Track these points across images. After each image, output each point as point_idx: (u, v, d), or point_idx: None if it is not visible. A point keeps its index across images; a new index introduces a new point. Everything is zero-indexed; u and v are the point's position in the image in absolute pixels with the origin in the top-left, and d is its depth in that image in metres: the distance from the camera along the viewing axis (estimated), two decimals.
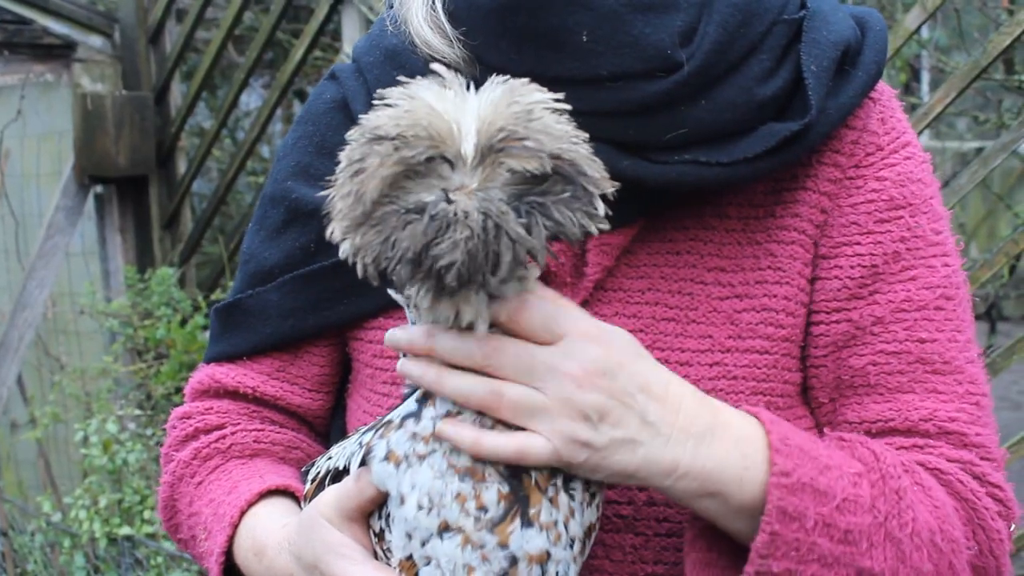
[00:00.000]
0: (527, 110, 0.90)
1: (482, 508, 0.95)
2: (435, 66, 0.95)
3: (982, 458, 1.13)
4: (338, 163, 1.12)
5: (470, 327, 0.96)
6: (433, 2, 1.19)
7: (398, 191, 0.88)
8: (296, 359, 1.33)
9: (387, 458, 0.99)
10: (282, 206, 1.30)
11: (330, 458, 1.13)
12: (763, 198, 1.18)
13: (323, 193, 1.22)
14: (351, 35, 3.75)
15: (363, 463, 1.01)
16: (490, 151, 0.88)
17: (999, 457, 1.15)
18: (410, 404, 1.01)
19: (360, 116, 1.20)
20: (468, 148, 0.88)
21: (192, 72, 4.74)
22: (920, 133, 2.81)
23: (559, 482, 0.98)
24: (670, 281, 1.17)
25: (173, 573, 3.58)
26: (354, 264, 0.92)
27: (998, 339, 6.80)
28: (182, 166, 4.51)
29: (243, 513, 1.21)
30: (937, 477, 1.11)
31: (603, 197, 0.92)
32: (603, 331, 1.00)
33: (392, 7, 1.24)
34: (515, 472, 0.96)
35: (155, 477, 3.76)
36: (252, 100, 7.02)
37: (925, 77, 8.25)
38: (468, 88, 0.92)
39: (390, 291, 1.01)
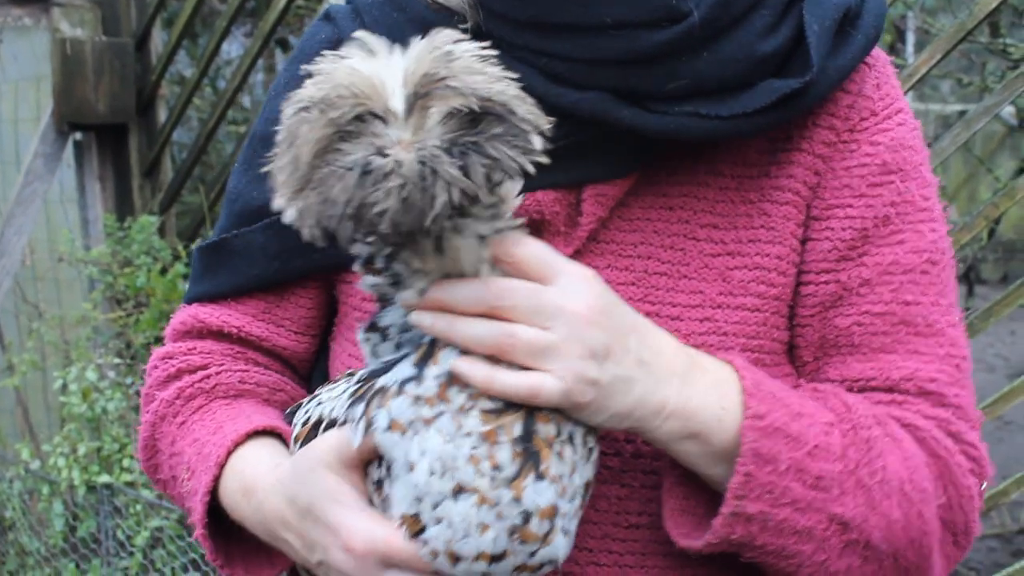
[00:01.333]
0: (447, 53, 0.91)
1: (496, 467, 0.96)
2: (359, 33, 0.95)
3: (958, 418, 1.15)
4: None
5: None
6: None
7: (334, 154, 0.89)
8: (282, 300, 1.32)
9: (390, 427, 0.98)
10: (271, 146, 1.28)
11: (320, 403, 1.12)
12: (758, 157, 1.19)
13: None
14: None
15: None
16: (416, 99, 0.89)
17: (975, 419, 1.17)
18: (405, 368, 0.99)
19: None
20: (396, 102, 0.89)
21: (173, 19, 4.68)
22: (904, 94, 2.81)
23: (564, 435, 0.99)
24: (663, 236, 1.18)
25: (152, 521, 3.59)
26: (299, 229, 0.92)
27: (975, 302, 6.87)
28: (162, 114, 4.47)
29: (229, 453, 1.20)
30: (912, 432, 1.13)
31: (544, 137, 0.93)
32: (587, 271, 1.01)
33: None
34: (526, 431, 0.97)
35: (134, 425, 3.76)
36: (233, 49, 6.95)
37: (911, 38, 8.25)
38: (394, 51, 0.93)
39: (367, 275, 1.01)
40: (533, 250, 0.98)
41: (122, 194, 4.51)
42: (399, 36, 1.14)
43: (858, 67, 1.20)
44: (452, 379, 0.97)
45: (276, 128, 1.26)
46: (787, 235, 1.18)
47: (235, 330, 1.31)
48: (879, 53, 1.25)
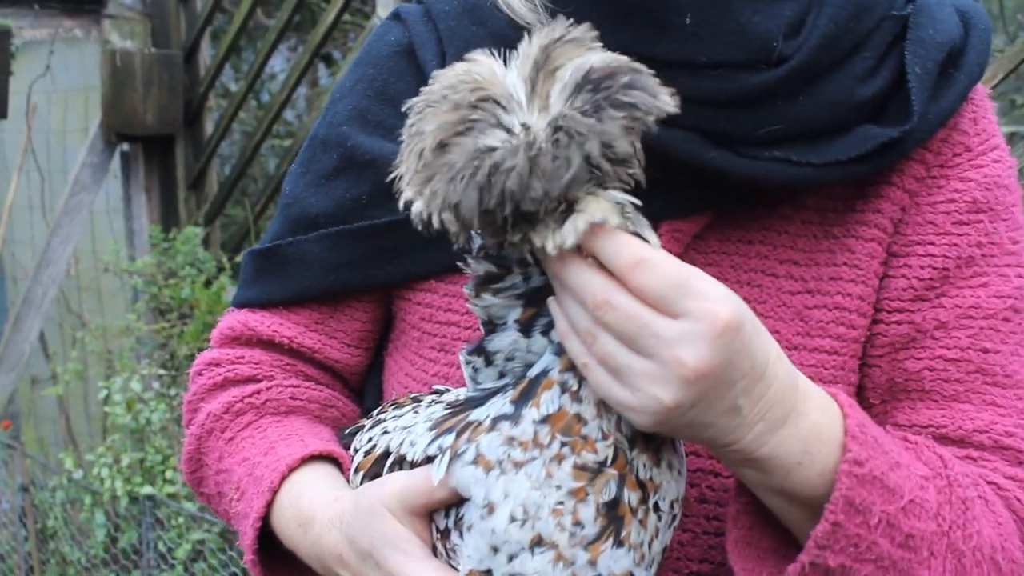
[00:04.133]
0: (560, 32, 0.87)
1: (578, 524, 0.91)
2: (474, 53, 0.90)
3: None
4: (400, 111, 1.03)
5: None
6: None
7: (457, 145, 0.84)
8: (336, 312, 1.26)
9: (476, 462, 0.93)
10: (336, 151, 1.22)
11: (387, 432, 1.07)
12: (843, 191, 1.12)
13: (385, 144, 1.16)
14: (385, 0, 3.72)
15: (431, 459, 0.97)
16: (537, 71, 0.85)
17: None
18: (502, 404, 0.94)
19: (427, 66, 1.12)
20: (518, 88, 0.85)
21: (219, 33, 4.72)
22: None
23: (650, 502, 0.95)
24: (739, 271, 1.12)
25: (194, 533, 3.59)
26: (427, 224, 0.86)
27: None
28: (209, 127, 4.49)
29: (283, 478, 1.15)
30: (996, 491, 1.05)
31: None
32: (726, 320, 0.87)
33: None
34: (614, 497, 0.92)
35: (177, 437, 3.77)
36: (277, 63, 6.99)
37: None
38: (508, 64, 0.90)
39: (479, 293, 0.94)
40: (658, 276, 0.86)
41: (167, 205, 4.54)
42: (475, 48, 1.07)
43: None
44: (552, 423, 0.92)
45: (344, 133, 1.21)
46: (871, 274, 1.12)
47: (287, 340, 1.25)
48: (978, 87, 1.17)
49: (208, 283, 4.14)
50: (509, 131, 0.83)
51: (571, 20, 0.99)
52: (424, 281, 1.19)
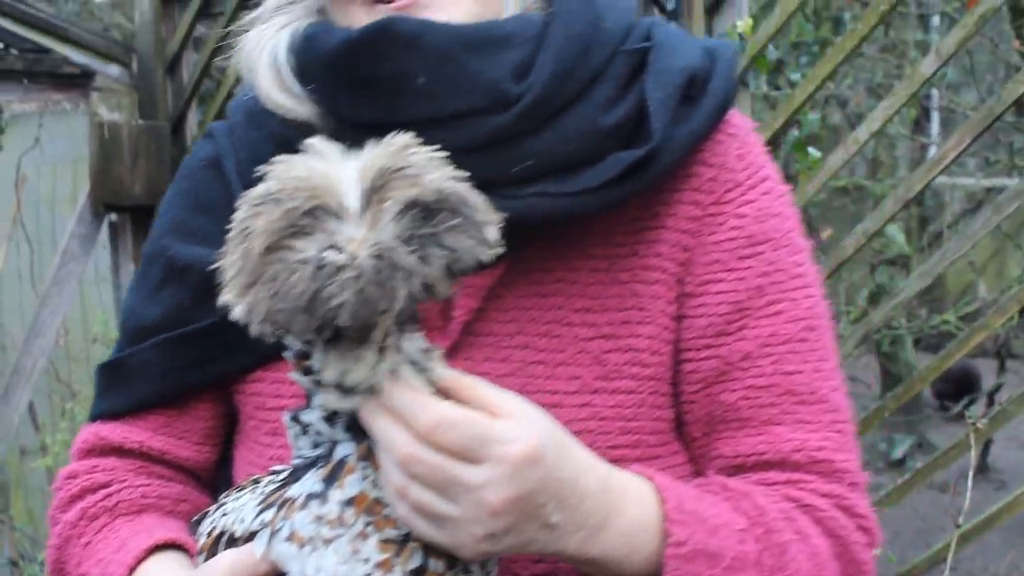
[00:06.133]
0: (403, 147, 0.92)
1: None
2: (312, 140, 0.96)
3: (849, 484, 1.19)
4: (214, 219, 1.18)
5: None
6: (277, 65, 1.21)
7: (286, 250, 0.89)
8: (182, 414, 1.32)
9: (291, 539, 0.99)
10: (159, 263, 1.30)
11: (225, 514, 1.12)
12: (625, 237, 1.20)
13: (199, 251, 1.24)
14: None
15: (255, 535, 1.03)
16: (372, 192, 0.89)
17: (862, 481, 1.21)
18: (313, 482, 1.01)
19: (230, 175, 1.24)
20: (352, 198, 0.89)
21: (207, 96, 4.77)
22: (932, 180, 2.84)
23: (458, 568, 1.00)
24: (538, 324, 1.19)
25: None
26: (248, 325, 0.92)
27: (1007, 377, 6.79)
28: None
29: (131, 570, 1.21)
30: (811, 514, 1.16)
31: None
32: (523, 457, 0.96)
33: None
34: (420, 566, 0.98)
35: None
36: None
37: (935, 117, 8.29)
38: (349, 155, 0.94)
39: (297, 371, 1.01)
40: (459, 433, 0.95)
41: None
42: (259, 153, 1.18)
43: (719, 139, 1.21)
44: (356, 504, 0.99)
45: (164, 245, 1.30)
46: (657, 313, 1.19)
47: (136, 444, 1.32)
48: (741, 121, 1.25)
49: None
50: (337, 248, 0.87)
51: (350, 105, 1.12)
52: (252, 372, 1.27)
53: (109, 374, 1.34)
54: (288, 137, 1.17)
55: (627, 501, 1.07)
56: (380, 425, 0.96)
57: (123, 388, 1.32)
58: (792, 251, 1.22)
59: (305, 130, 1.18)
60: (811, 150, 3.08)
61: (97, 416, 1.35)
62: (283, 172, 0.91)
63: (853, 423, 1.23)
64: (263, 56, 1.23)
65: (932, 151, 7.28)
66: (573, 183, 1.13)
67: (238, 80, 4.14)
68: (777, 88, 5.17)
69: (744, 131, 1.25)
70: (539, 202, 1.13)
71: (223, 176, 1.29)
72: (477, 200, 0.93)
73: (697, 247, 1.20)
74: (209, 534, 1.13)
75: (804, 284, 1.21)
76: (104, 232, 4.52)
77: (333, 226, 0.88)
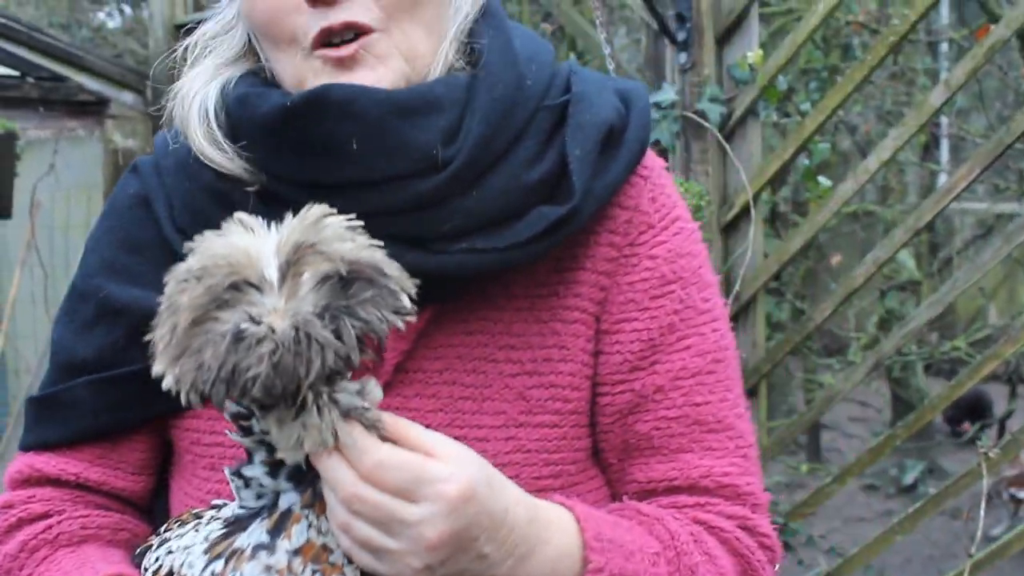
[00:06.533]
0: (316, 221, 0.95)
1: None
2: (238, 214, 0.99)
3: (752, 505, 1.26)
4: (143, 258, 1.23)
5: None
6: (208, 120, 1.22)
7: (211, 322, 0.93)
8: (116, 446, 1.32)
9: None
10: (91, 302, 1.30)
11: (171, 551, 1.14)
12: (547, 277, 1.24)
13: (134, 292, 1.26)
14: None
15: None
16: (288, 267, 0.93)
17: (764, 501, 1.28)
18: (260, 533, 1.04)
19: (161, 218, 1.26)
20: (270, 270, 0.93)
21: None
22: (942, 211, 2.86)
23: None
24: (465, 360, 1.23)
25: None
26: (178, 393, 0.95)
27: (1019, 403, 6.77)
28: None
29: None
30: (717, 535, 1.23)
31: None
32: (457, 496, 1.02)
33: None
34: None
35: None
36: None
37: (945, 144, 8.30)
38: (269, 227, 0.97)
39: (238, 430, 1.04)
40: (397, 474, 1.00)
41: None
42: (194, 203, 1.23)
43: (633, 181, 1.26)
44: (303, 554, 1.03)
45: (96, 284, 1.30)
46: (577, 351, 1.25)
47: (73, 476, 1.31)
48: (654, 163, 1.30)
49: None
50: (257, 320, 0.91)
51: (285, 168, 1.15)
52: (188, 409, 1.25)
53: (40, 407, 1.33)
54: (222, 190, 1.21)
55: (551, 531, 1.12)
56: (326, 465, 1.00)
57: (55, 422, 1.31)
58: (700, 287, 1.28)
59: (238, 183, 1.22)
60: (821, 179, 3.10)
61: (29, 447, 1.34)
62: (205, 249, 0.95)
63: (756, 446, 1.30)
64: (193, 109, 1.24)
65: (941, 178, 7.29)
66: (500, 238, 1.17)
67: None
68: (787, 115, 5.19)
69: (656, 172, 1.30)
70: (468, 258, 1.17)
71: (152, 215, 1.29)
72: (392, 269, 0.97)
73: (613, 287, 1.26)
74: (156, 573, 1.14)
75: (712, 319, 1.28)
76: None
77: (254, 297, 0.93)
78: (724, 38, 2.96)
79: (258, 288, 0.93)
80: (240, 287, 0.93)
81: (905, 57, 6.14)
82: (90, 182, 4.71)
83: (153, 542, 1.19)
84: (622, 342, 1.25)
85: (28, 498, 1.32)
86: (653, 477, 1.25)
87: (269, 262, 0.93)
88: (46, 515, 1.31)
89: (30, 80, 4.09)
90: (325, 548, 1.04)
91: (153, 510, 1.39)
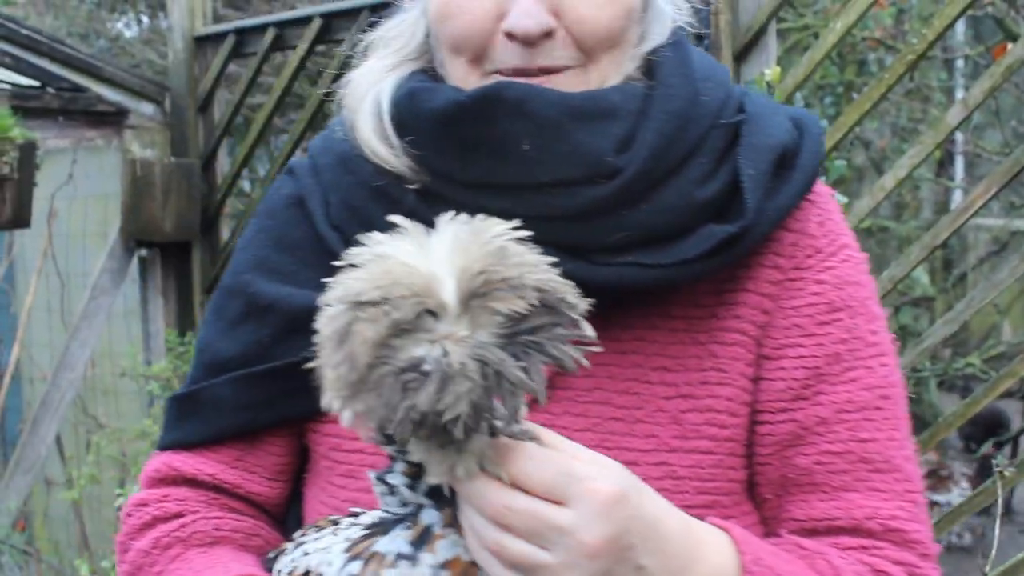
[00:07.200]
0: (500, 248, 0.90)
1: None
2: (393, 217, 0.94)
3: (920, 555, 1.18)
4: (296, 257, 1.20)
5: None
6: (380, 113, 1.23)
7: (387, 350, 0.88)
8: (254, 448, 1.33)
9: None
10: (240, 299, 1.31)
11: (307, 554, 1.12)
12: (706, 299, 1.21)
13: (283, 289, 1.25)
14: None
15: None
16: (473, 296, 0.88)
17: (934, 552, 1.20)
18: (402, 542, 1.01)
19: (315, 215, 1.24)
20: (450, 297, 0.88)
21: (236, 131, 4.83)
22: (958, 230, 2.86)
23: None
24: (617, 380, 1.19)
25: None
26: (318, 395, 0.92)
27: None
28: (225, 232, 4.59)
29: None
30: None
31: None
32: (610, 494, 0.97)
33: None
34: None
35: None
36: None
37: (960, 161, 8.27)
38: (428, 233, 0.93)
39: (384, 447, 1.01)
40: (547, 470, 0.96)
41: (183, 309, 4.61)
42: (352, 198, 1.23)
43: (801, 205, 1.23)
44: (450, 568, 0.99)
45: (246, 281, 1.30)
46: (736, 375, 1.20)
47: (209, 477, 1.32)
48: (822, 188, 1.27)
49: None
50: (445, 354, 0.86)
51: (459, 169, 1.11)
52: (328, 412, 1.27)
53: (181, 405, 1.34)
54: (381, 186, 1.20)
55: (706, 550, 1.07)
56: (470, 491, 0.96)
57: (196, 420, 1.32)
58: (868, 319, 1.23)
59: (399, 180, 1.21)
60: (838, 195, 3.10)
61: (167, 446, 1.35)
62: (380, 272, 0.89)
63: (924, 492, 1.22)
64: (366, 101, 1.24)
65: (956, 194, 7.28)
66: (666, 255, 1.14)
67: (269, 119, 4.21)
68: None
69: (824, 198, 1.26)
70: (632, 272, 1.14)
71: (307, 215, 1.29)
72: (572, 294, 0.92)
73: (776, 311, 1.21)
74: (290, 574, 1.13)
75: (879, 352, 1.22)
76: (133, 265, 4.57)
77: (432, 323, 0.88)
78: (742, 55, 2.97)
79: (435, 315, 0.88)
80: (421, 316, 0.88)
81: (921, 73, 6.14)
82: (107, 191, 4.73)
83: (287, 547, 1.17)
84: (785, 368, 1.20)
85: (163, 497, 1.32)
86: (813, 515, 1.19)
87: (448, 285, 0.88)
88: (180, 514, 1.31)
89: (50, 91, 4.12)
90: (473, 565, 0.99)
91: (287, 520, 1.38)
